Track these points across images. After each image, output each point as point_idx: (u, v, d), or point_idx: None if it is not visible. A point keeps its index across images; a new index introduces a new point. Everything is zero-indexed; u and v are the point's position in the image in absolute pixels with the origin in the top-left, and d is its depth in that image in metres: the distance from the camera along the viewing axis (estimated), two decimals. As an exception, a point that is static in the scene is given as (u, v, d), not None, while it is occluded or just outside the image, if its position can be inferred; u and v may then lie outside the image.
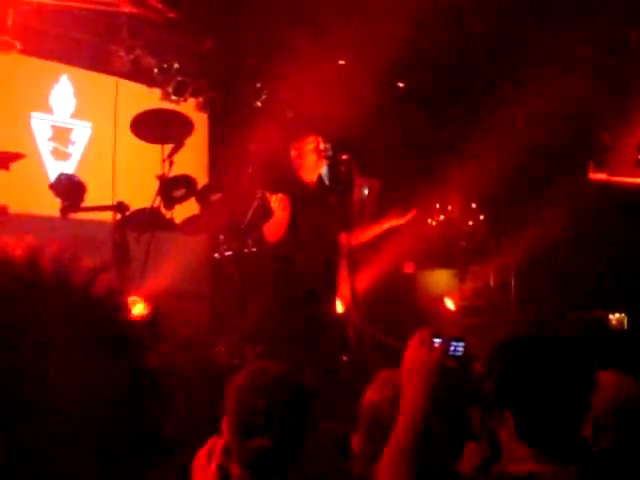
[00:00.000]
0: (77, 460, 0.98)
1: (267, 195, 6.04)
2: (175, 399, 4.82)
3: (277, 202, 5.92)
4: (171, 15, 7.18)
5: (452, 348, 2.38)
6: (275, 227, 6.09)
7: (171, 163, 6.84)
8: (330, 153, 6.25)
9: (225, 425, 2.44)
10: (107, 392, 1.03)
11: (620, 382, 2.90)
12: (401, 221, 6.49)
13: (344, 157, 6.16)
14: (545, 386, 2.20)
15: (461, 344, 2.40)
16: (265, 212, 6.18)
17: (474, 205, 9.70)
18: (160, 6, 6.86)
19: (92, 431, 0.99)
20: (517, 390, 2.23)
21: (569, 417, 2.21)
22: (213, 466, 2.47)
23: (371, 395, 2.79)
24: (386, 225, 6.54)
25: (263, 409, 2.35)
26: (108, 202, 7.18)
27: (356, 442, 2.85)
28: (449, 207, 9.71)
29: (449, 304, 9.04)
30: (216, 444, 2.49)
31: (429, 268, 9.65)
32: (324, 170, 6.45)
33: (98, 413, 1.00)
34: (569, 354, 2.27)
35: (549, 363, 2.24)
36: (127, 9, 7.27)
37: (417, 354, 2.34)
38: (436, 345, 2.36)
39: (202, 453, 2.53)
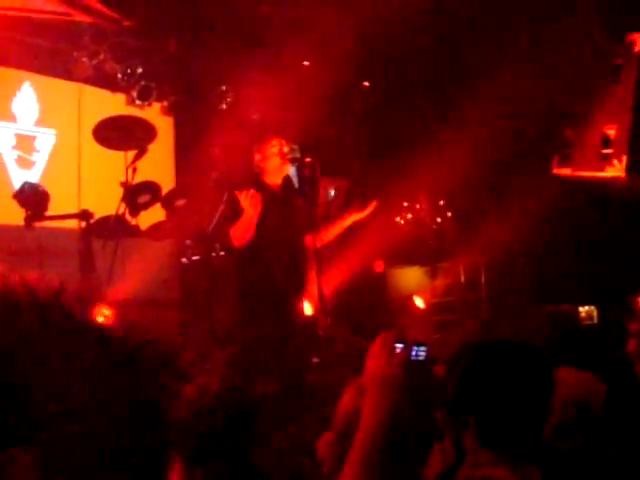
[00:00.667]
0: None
1: (236, 193, 5.98)
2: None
3: (247, 199, 5.87)
4: (126, 23, 7.13)
5: (414, 353, 2.38)
6: (243, 229, 6.04)
7: (134, 169, 6.80)
8: (297, 155, 6.22)
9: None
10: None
11: (579, 380, 2.91)
12: (362, 214, 6.45)
13: (308, 159, 6.14)
14: (504, 391, 2.20)
15: (423, 348, 2.39)
16: (232, 215, 6.14)
17: (442, 202, 9.74)
18: (114, 15, 6.81)
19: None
20: (477, 395, 2.23)
21: (529, 421, 2.22)
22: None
23: (344, 403, 2.79)
24: (348, 220, 6.49)
25: (203, 433, 2.34)
26: (74, 209, 7.13)
27: (321, 448, 2.84)
28: (417, 205, 9.73)
29: (418, 302, 9.07)
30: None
31: (399, 266, 9.67)
32: (292, 171, 6.42)
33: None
34: (527, 358, 2.27)
35: (507, 368, 2.24)
36: (81, 19, 7.20)
37: (378, 362, 2.34)
38: (397, 351, 2.36)
39: None
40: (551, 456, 2.57)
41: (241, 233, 6.08)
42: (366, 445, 2.25)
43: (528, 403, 2.20)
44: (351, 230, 8.54)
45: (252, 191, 5.90)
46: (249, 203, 5.87)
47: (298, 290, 6.38)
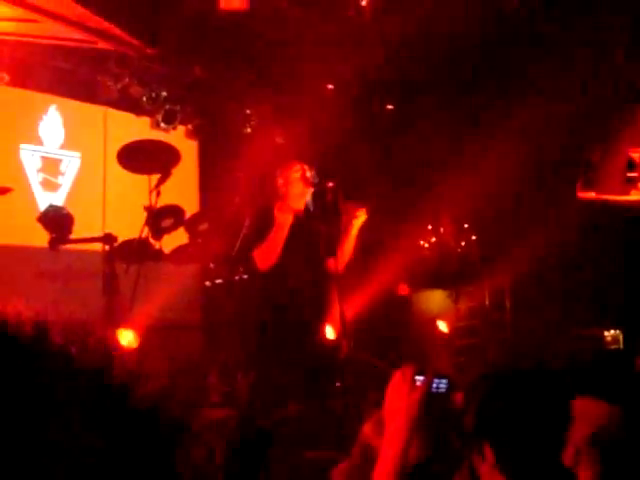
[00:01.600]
0: None
1: (267, 207, 6.02)
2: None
3: (281, 209, 5.92)
4: (149, 51, 7.19)
5: (435, 385, 2.36)
6: (268, 250, 6.03)
7: (158, 193, 6.83)
8: (316, 180, 6.22)
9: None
10: None
11: (597, 408, 2.88)
12: (360, 218, 6.35)
13: (330, 184, 6.13)
14: (521, 419, 2.19)
15: (444, 381, 2.38)
16: (257, 236, 6.14)
17: (466, 225, 9.71)
18: (137, 43, 6.87)
19: None
20: (494, 423, 2.21)
21: (547, 448, 2.20)
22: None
23: (364, 433, 2.78)
24: (354, 230, 6.39)
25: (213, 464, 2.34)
26: (98, 232, 7.18)
27: (336, 476, 2.83)
28: (441, 229, 9.71)
29: (442, 327, 9.03)
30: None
31: (423, 289, 9.64)
32: (309, 197, 6.41)
33: None
34: (544, 388, 2.25)
35: (525, 396, 2.22)
36: (105, 46, 7.28)
37: (399, 394, 2.33)
38: (418, 384, 2.35)
39: None
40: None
41: (266, 255, 6.07)
42: (385, 475, 2.25)
43: (545, 431, 2.18)
44: (375, 254, 8.58)
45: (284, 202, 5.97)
46: (281, 210, 5.89)
47: (320, 315, 6.37)
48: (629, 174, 7.41)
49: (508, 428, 2.19)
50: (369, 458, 2.56)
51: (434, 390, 2.36)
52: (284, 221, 5.97)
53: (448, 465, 2.61)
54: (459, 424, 2.36)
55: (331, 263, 6.22)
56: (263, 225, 6.09)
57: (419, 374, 2.36)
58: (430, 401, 2.33)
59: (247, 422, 2.45)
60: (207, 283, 7.68)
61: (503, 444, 2.19)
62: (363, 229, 6.95)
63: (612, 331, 8.12)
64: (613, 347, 8.09)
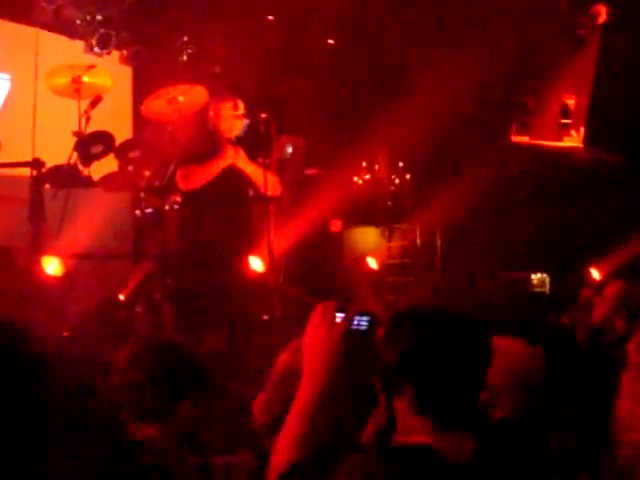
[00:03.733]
0: None
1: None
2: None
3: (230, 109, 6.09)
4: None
5: (355, 322, 2.35)
6: (199, 174, 6.15)
7: (88, 118, 6.71)
8: (247, 116, 6.33)
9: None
10: None
11: (516, 349, 2.92)
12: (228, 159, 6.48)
13: (263, 115, 6.15)
14: (441, 360, 2.19)
15: (365, 318, 2.37)
16: (189, 156, 6.23)
17: (401, 164, 9.72)
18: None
19: None
20: (414, 363, 2.22)
21: (465, 389, 2.21)
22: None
23: (281, 363, 2.78)
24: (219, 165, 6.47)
25: (146, 378, 2.32)
26: (28, 157, 7.00)
27: (259, 405, 2.84)
28: (376, 166, 9.71)
29: (372, 263, 9.07)
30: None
31: (355, 226, 9.66)
32: (243, 126, 6.45)
33: None
34: (465, 328, 2.26)
35: (447, 335, 2.23)
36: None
37: (318, 331, 2.32)
38: (338, 320, 2.34)
39: None
40: (486, 423, 2.58)
41: (194, 178, 6.18)
42: (302, 414, 2.25)
43: (464, 372, 2.20)
44: (308, 188, 8.56)
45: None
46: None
47: (243, 244, 6.42)
48: (563, 120, 7.48)
49: (428, 366, 2.19)
50: (284, 385, 2.57)
51: (355, 327, 2.35)
52: (228, 156, 6.09)
53: (365, 402, 2.63)
54: (379, 360, 2.37)
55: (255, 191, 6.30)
56: (199, 149, 6.18)
57: (340, 311, 2.36)
58: (350, 338, 2.33)
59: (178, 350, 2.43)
60: (137, 212, 7.57)
61: (422, 382, 2.20)
62: (297, 162, 6.98)
63: (539, 274, 8.24)
64: (539, 290, 8.23)
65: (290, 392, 2.42)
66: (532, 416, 2.86)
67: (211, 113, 6.47)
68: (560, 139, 7.42)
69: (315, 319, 2.34)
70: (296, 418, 2.27)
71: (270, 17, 9.17)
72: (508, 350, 2.86)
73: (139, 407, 2.39)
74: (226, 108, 6.40)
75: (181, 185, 6.32)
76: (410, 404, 2.19)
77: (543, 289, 8.24)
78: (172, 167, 6.56)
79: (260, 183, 6.45)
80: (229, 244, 6.29)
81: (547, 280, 8.25)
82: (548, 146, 7.52)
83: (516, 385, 2.83)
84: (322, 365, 2.27)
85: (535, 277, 8.25)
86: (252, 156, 6.58)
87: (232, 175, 6.33)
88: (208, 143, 6.40)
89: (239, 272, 6.33)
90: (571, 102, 7.46)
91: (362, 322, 2.36)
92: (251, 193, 6.63)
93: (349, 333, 2.33)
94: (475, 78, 8.21)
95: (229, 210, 6.37)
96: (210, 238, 6.23)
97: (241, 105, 6.39)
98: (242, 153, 6.43)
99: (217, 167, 6.28)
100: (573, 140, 7.44)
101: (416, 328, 2.27)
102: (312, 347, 2.31)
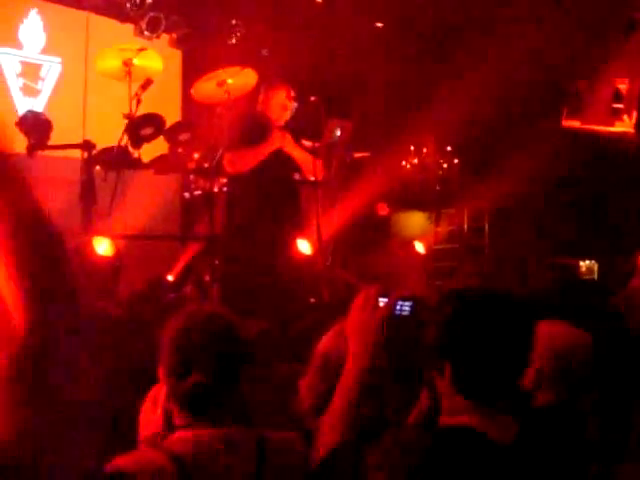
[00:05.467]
0: None
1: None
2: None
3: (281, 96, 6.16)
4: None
5: (398, 307, 2.37)
6: (248, 157, 6.15)
7: (139, 101, 6.75)
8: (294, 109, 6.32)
9: (161, 368, 2.44)
10: None
11: (564, 333, 2.90)
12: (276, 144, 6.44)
13: (312, 98, 6.14)
14: (483, 339, 2.18)
15: (407, 303, 2.38)
16: (239, 141, 6.23)
17: (449, 148, 9.67)
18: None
19: None
20: (454, 342, 2.22)
21: (506, 371, 2.21)
22: (159, 411, 2.49)
23: (324, 345, 2.79)
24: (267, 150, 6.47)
25: (193, 347, 2.35)
26: (78, 140, 7.08)
27: (304, 387, 2.86)
28: (424, 150, 9.67)
29: (419, 248, 9.05)
30: (160, 389, 2.50)
31: (403, 210, 9.64)
32: (291, 111, 6.45)
33: None
34: (509, 308, 2.25)
35: (488, 317, 2.22)
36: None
37: (361, 315, 2.34)
38: (381, 305, 2.36)
39: (148, 399, 2.55)
40: (528, 406, 2.57)
41: (241, 162, 6.19)
42: (346, 397, 2.29)
43: (505, 353, 2.19)
44: (356, 172, 8.56)
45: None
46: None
47: (291, 227, 6.43)
48: (615, 105, 7.38)
49: (470, 347, 2.19)
50: (328, 365, 2.59)
51: (397, 312, 2.37)
52: (276, 141, 6.08)
53: (411, 385, 2.63)
54: (423, 343, 2.37)
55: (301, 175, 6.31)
56: (247, 132, 6.18)
57: (384, 296, 2.37)
58: (392, 323, 2.35)
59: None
60: (186, 194, 7.64)
61: (462, 363, 2.20)
62: (345, 145, 6.96)
63: (587, 261, 8.16)
64: (587, 277, 8.15)
65: (334, 374, 2.45)
66: (576, 401, 2.84)
67: (261, 99, 6.45)
68: (611, 124, 7.32)
69: (358, 303, 2.37)
70: (340, 401, 2.31)
71: (319, 0, 9.17)
72: (555, 334, 2.84)
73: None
74: (277, 96, 6.39)
75: (228, 169, 6.32)
76: (451, 384, 2.20)
77: (592, 276, 8.16)
78: (221, 150, 6.59)
79: (305, 167, 6.46)
80: (277, 227, 6.30)
81: (595, 267, 8.17)
82: (599, 131, 7.43)
83: (562, 370, 2.81)
84: (365, 349, 2.31)
85: (584, 264, 8.17)
86: (299, 139, 6.59)
87: (280, 159, 6.33)
88: (256, 127, 6.39)
89: (287, 254, 6.35)
90: (623, 86, 7.36)
91: (405, 307, 2.37)
92: (297, 177, 6.63)
93: (391, 318, 2.35)
94: (526, 62, 8.14)
95: (277, 193, 6.36)
96: (258, 221, 6.23)
97: (292, 94, 6.37)
98: (289, 137, 6.41)
99: (264, 151, 6.25)
100: (625, 125, 7.34)
101: (457, 308, 2.26)
102: (355, 331, 2.35)
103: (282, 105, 6.38)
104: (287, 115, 6.40)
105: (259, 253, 6.15)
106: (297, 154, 6.43)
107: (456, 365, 2.18)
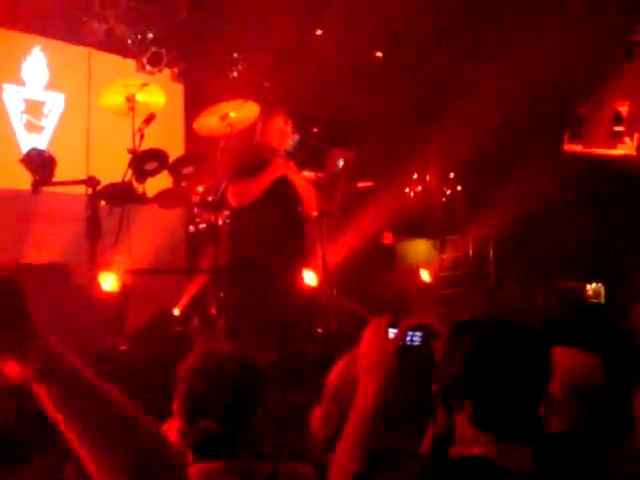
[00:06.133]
0: None
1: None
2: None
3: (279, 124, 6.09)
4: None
5: (408, 338, 2.36)
6: (250, 189, 6.11)
7: (142, 136, 6.76)
8: (295, 143, 6.29)
9: (175, 408, 2.44)
10: None
11: (574, 359, 2.88)
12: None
13: (315, 129, 6.14)
14: (504, 373, 2.18)
15: (418, 334, 2.37)
16: (239, 172, 6.20)
17: (452, 176, 9.69)
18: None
19: None
20: (476, 378, 2.20)
21: (525, 402, 2.19)
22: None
23: (335, 375, 2.78)
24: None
25: (206, 391, 2.34)
26: (82, 175, 7.10)
27: (316, 418, 2.85)
28: (427, 178, 9.70)
29: (425, 276, 9.04)
30: (171, 426, 2.50)
31: (407, 238, 9.65)
32: (293, 141, 6.42)
33: None
34: (528, 339, 2.24)
35: (508, 350, 2.21)
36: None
37: (372, 346, 2.34)
38: (391, 336, 2.35)
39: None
40: (545, 438, 2.55)
41: (245, 193, 6.14)
42: (358, 428, 2.28)
43: (525, 386, 2.18)
44: (360, 201, 8.57)
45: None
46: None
47: (297, 258, 6.40)
48: (616, 128, 7.39)
49: (491, 382, 2.18)
50: (340, 396, 2.58)
51: (408, 343, 2.36)
52: (278, 168, 6.05)
53: (423, 414, 2.62)
54: (437, 373, 2.36)
55: (312, 207, 6.27)
56: (248, 163, 6.16)
57: (393, 326, 2.36)
58: (404, 354, 2.34)
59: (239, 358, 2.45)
60: (191, 228, 7.65)
61: (481, 395, 2.19)
62: (348, 175, 6.96)
63: (594, 284, 8.14)
64: (594, 301, 8.13)
65: (346, 405, 2.44)
66: (591, 427, 2.83)
67: (259, 128, 6.44)
68: (613, 147, 7.32)
69: (368, 335, 2.36)
70: (352, 432, 2.30)
71: (318, 31, 9.22)
72: (565, 360, 2.82)
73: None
74: (275, 123, 6.36)
75: (232, 202, 6.26)
76: (469, 416, 2.18)
77: (598, 299, 8.14)
78: (224, 183, 6.60)
79: (307, 199, 6.41)
80: (282, 258, 6.26)
81: (602, 290, 8.15)
82: (601, 154, 7.44)
83: (575, 396, 2.79)
84: (376, 381, 2.29)
85: (590, 287, 8.15)
86: (301, 171, 6.57)
87: (284, 189, 6.31)
88: (256, 157, 6.35)
89: (293, 286, 6.32)
90: (624, 109, 7.37)
91: (415, 337, 2.36)
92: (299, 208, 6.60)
93: (402, 349, 2.34)
94: (526, 87, 8.17)
95: (282, 224, 6.33)
96: (263, 252, 6.20)
97: (289, 121, 6.36)
98: (292, 164, 6.36)
99: (267, 179, 6.18)
100: (627, 147, 7.35)
101: (476, 341, 2.24)
102: (366, 363, 2.34)
103: (281, 131, 6.33)
104: (287, 142, 6.36)
105: (265, 285, 6.12)
106: (300, 183, 6.39)
107: (477, 400, 2.17)
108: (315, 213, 6.32)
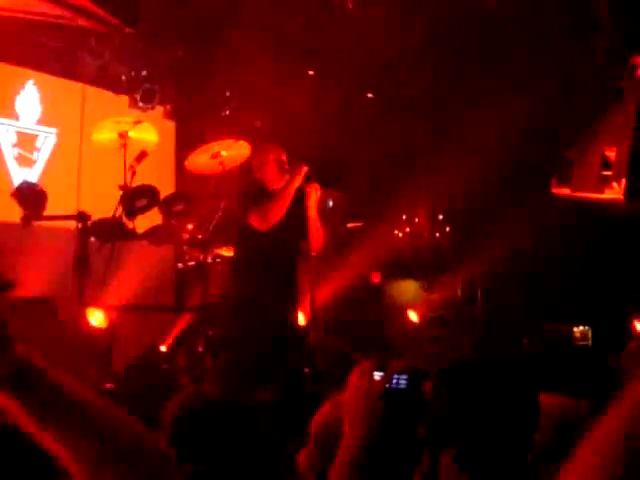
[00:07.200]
0: None
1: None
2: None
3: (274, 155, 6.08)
4: (128, 31, 7.11)
5: (394, 381, 2.36)
6: (275, 209, 6.02)
7: (133, 172, 6.80)
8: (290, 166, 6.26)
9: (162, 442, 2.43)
10: None
11: (560, 405, 2.89)
12: (313, 197, 6.28)
13: (304, 169, 6.13)
14: (487, 419, 2.18)
15: (404, 377, 2.37)
16: (255, 198, 6.15)
17: (441, 217, 9.74)
18: (116, 21, 6.79)
19: None
20: (459, 419, 2.21)
21: (512, 449, 2.20)
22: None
23: (321, 417, 2.78)
24: (311, 210, 6.31)
25: (192, 434, 2.33)
26: (72, 210, 7.13)
27: (303, 461, 2.84)
28: (416, 219, 9.74)
29: (413, 317, 9.06)
30: None
31: (396, 279, 9.67)
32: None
33: None
34: (513, 384, 2.25)
35: (493, 395, 2.21)
36: (84, 24, 7.19)
37: (357, 389, 2.34)
38: (377, 379, 2.35)
39: None
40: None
41: (271, 214, 6.01)
42: (344, 471, 2.27)
43: (511, 434, 2.18)
44: (349, 241, 8.59)
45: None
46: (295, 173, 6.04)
47: (292, 299, 6.37)
48: (604, 172, 7.45)
49: (477, 427, 2.18)
50: (328, 437, 2.58)
51: (393, 386, 2.36)
52: (295, 183, 6.02)
53: (410, 457, 2.62)
54: (426, 416, 2.36)
55: (304, 246, 6.24)
56: (257, 192, 6.13)
57: (379, 370, 2.37)
58: (389, 397, 2.34)
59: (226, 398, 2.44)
60: (180, 265, 7.65)
61: (466, 441, 2.19)
62: (338, 216, 6.95)
63: (581, 327, 8.15)
64: (582, 343, 8.13)
65: (332, 447, 2.43)
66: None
67: (255, 162, 6.39)
68: (601, 191, 7.38)
69: (354, 378, 2.37)
70: (338, 476, 2.29)
71: (310, 72, 9.29)
72: (552, 406, 2.83)
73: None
74: (269, 153, 6.32)
75: (259, 225, 6.08)
76: (454, 461, 2.19)
77: (586, 342, 8.14)
78: (214, 222, 6.60)
79: (314, 233, 6.29)
80: (271, 297, 6.23)
81: (589, 333, 8.16)
82: (589, 198, 7.50)
83: (564, 443, 2.79)
84: (362, 424, 2.30)
85: (577, 330, 8.15)
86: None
87: (295, 222, 6.20)
88: (263, 188, 6.28)
89: (281, 325, 6.30)
90: (611, 154, 7.44)
91: (401, 380, 2.36)
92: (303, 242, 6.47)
93: (388, 392, 2.34)
94: (514, 131, 8.24)
95: (280, 263, 6.27)
96: (259, 290, 6.15)
97: (283, 154, 6.32)
98: (317, 186, 6.27)
99: (290, 190, 6.09)
100: (614, 192, 7.40)
101: (460, 386, 2.25)
102: (352, 406, 2.34)
103: (279, 162, 6.28)
104: (283, 179, 6.28)
105: (253, 323, 6.10)
106: (312, 214, 6.28)
107: (460, 442, 2.17)
108: (314, 252, 6.26)
